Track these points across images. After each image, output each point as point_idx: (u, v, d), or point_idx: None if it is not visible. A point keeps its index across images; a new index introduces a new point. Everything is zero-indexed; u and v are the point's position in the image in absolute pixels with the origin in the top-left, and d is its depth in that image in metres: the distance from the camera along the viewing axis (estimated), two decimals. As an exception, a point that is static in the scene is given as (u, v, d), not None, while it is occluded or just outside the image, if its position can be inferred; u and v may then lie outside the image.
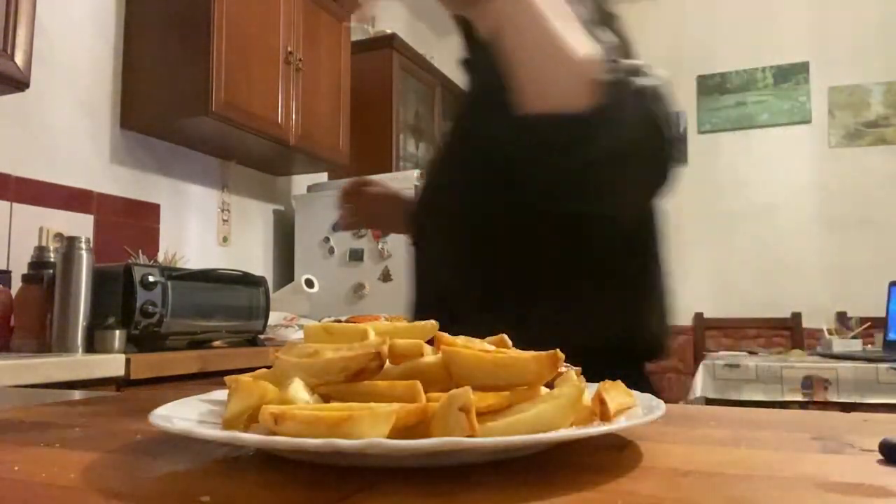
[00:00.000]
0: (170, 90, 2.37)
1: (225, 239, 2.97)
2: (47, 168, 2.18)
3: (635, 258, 0.87)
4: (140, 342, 1.78)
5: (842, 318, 2.91)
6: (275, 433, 0.34)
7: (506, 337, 0.48)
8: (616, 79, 0.68)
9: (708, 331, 3.95)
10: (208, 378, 1.79)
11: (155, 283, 1.83)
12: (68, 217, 2.23)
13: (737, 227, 4.30)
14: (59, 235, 2.12)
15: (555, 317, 0.81)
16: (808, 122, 4.21)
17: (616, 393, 0.42)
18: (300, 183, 3.47)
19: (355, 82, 3.27)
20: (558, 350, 0.39)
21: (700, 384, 2.42)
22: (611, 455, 0.38)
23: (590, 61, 0.67)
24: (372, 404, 0.35)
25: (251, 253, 3.15)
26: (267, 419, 0.34)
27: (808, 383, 2.27)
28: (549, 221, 0.81)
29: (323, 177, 3.55)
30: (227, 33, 2.39)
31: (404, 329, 0.48)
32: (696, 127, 4.47)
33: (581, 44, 0.68)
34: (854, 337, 2.74)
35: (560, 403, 0.37)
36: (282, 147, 2.77)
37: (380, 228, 1.12)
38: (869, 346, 2.84)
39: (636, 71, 0.72)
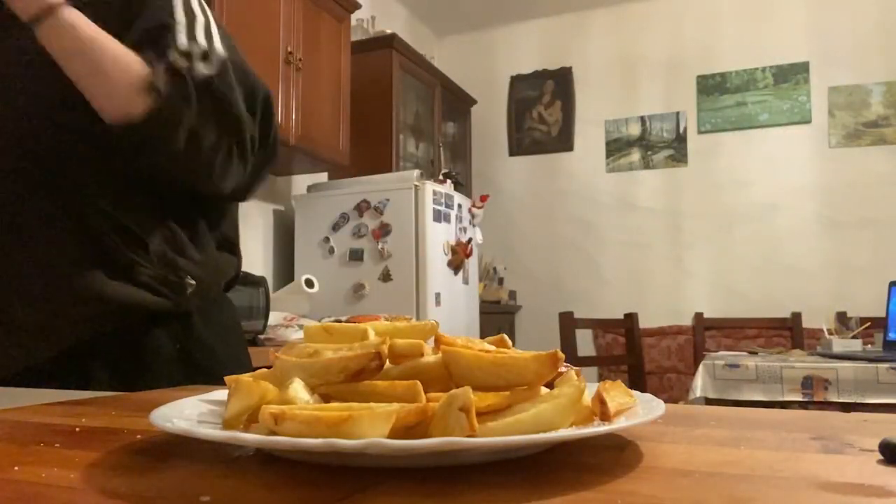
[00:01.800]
0: (170, 90, 2.37)
1: (225, 239, 2.97)
2: (47, 168, 2.17)
3: None
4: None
5: (842, 318, 2.90)
6: (275, 433, 0.34)
7: (505, 337, 0.48)
8: (171, 81, 0.79)
9: (708, 331, 3.94)
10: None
11: (155, 283, 1.82)
12: (68, 217, 2.23)
13: (737, 227, 4.30)
14: (59, 235, 2.12)
15: None
16: (808, 122, 4.21)
17: (616, 393, 0.42)
18: (300, 183, 3.47)
19: (355, 82, 3.27)
20: (558, 350, 0.39)
21: (700, 384, 2.42)
22: (611, 455, 0.38)
23: (136, 74, 0.79)
24: (372, 404, 0.35)
25: (251, 253, 3.15)
26: (267, 419, 0.34)
27: (808, 383, 2.27)
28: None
29: (323, 177, 3.55)
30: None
31: (404, 329, 0.48)
32: (696, 127, 4.47)
33: (128, 60, 0.79)
34: (854, 337, 2.74)
35: (560, 403, 0.37)
36: (282, 147, 2.77)
37: None
38: (869, 346, 2.84)
39: (203, 55, 0.82)
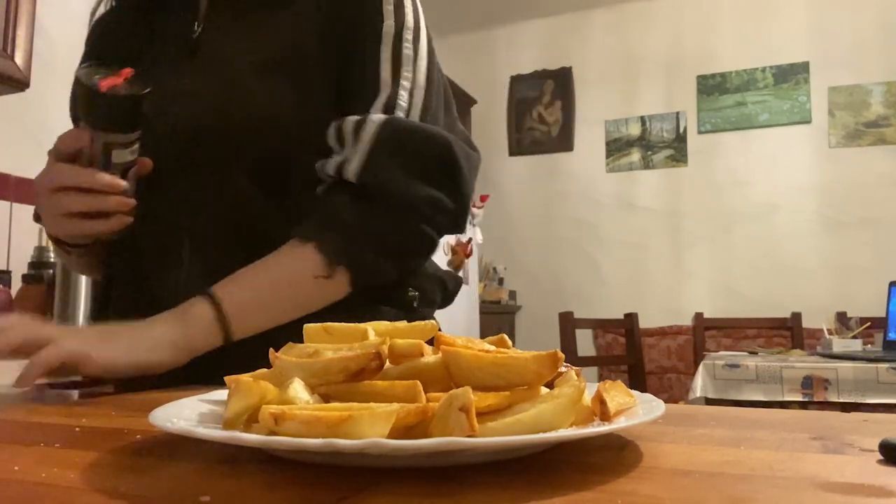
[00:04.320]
0: (170, 90, 2.37)
1: (225, 239, 2.97)
2: (47, 168, 2.17)
3: None
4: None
5: (842, 318, 2.90)
6: (275, 433, 0.34)
7: (505, 337, 0.48)
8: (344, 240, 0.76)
9: (708, 331, 3.94)
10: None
11: (155, 283, 1.82)
12: (68, 217, 2.23)
13: (737, 227, 4.29)
14: (59, 235, 2.12)
15: None
16: (808, 122, 4.21)
17: (616, 393, 0.42)
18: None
19: (355, 82, 3.27)
20: (558, 350, 0.39)
21: (700, 384, 2.42)
22: (611, 455, 0.38)
23: (312, 277, 0.76)
24: (372, 404, 0.35)
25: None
26: (267, 419, 0.34)
27: (808, 383, 2.27)
28: None
29: (323, 177, 3.55)
30: (227, 33, 2.39)
31: (404, 329, 0.48)
32: (696, 127, 4.47)
33: (298, 276, 0.77)
34: (854, 337, 2.74)
35: (560, 403, 0.37)
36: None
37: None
38: (869, 346, 2.84)
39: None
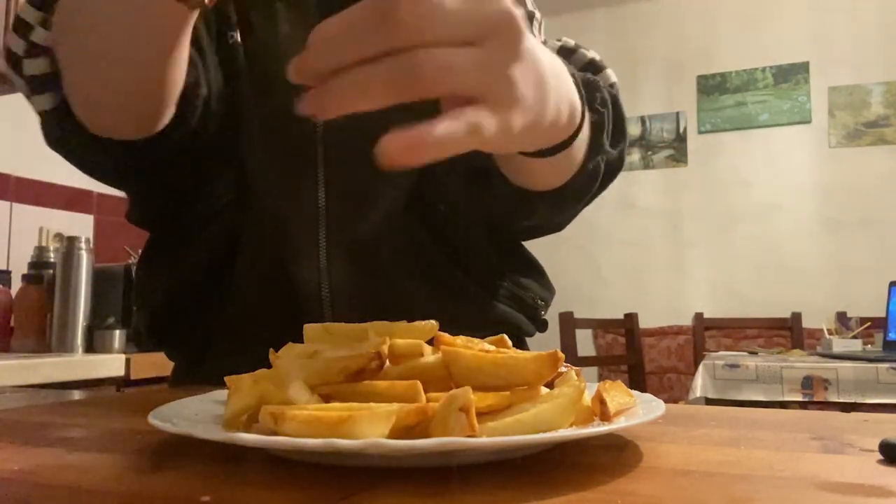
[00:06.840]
0: (170, 90, 2.37)
1: (225, 239, 2.97)
2: (47, 168, 2.18)
3: None
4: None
5: (842, 318, 2.91)
6: (275, 433, 0.34)
7: (505, 337, 0.48)
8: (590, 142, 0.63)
9: (708, 331, 3.94)
10: (208, 378, 1.79)
11: (155, 283, 1.83)
12: (68, 217, 2.23)
13: (737, 227, 4.29)
14: (59, 235, 2.12)
15: None
16: (808, 122, 4.21)
17: (616, 393, 0.42)
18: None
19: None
20: (558, 350, 0.39)
21: (700, 384, 2.42)
22: (611, 455, 0.38)
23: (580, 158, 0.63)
24: (372, 404, 0.35)
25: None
26: (267, 419, 0.34)
27: (808, 383, 2.27)
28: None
29: (323, 177, 3.55)
30: (227, 33, 2.39)
31: (404, 329, 0.48)
32: (696, 127, 4.47)
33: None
34: (854, 337, 2.74)
35: (560, 403, 0.37)
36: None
37: None
38: (869, 346, 2.84)
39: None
